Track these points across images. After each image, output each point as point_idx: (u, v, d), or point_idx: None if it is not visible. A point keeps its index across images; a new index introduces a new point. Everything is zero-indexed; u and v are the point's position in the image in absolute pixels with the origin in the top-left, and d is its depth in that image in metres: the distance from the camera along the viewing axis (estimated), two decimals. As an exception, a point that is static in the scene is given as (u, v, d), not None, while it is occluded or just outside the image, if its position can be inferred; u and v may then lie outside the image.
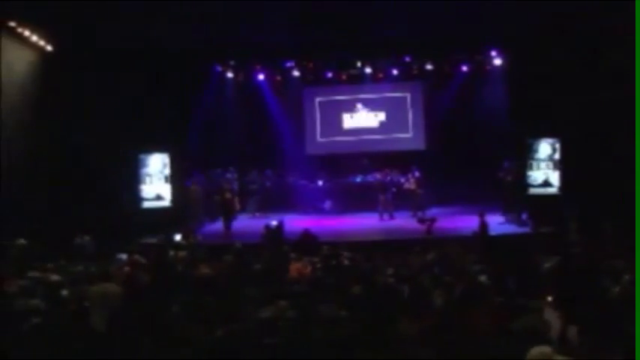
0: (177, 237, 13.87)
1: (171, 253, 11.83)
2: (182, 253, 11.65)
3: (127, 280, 8.85)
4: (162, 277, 9.36)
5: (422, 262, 10.49)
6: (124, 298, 7.54)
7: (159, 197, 16.22)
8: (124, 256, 10.86)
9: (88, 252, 12.25)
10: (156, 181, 16.25)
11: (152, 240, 14.18)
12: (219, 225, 16.93)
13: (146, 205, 16.18)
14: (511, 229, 14.77)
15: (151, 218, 15.60)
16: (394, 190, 17.44)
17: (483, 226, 13.11)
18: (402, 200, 17.43)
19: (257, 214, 18.01)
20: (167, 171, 16.27)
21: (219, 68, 19.00)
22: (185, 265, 10.58)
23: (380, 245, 13.07)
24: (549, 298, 7.30)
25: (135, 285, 8.68)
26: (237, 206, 17.47)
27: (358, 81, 19.88)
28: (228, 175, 18.11)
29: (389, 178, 17.64)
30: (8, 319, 6.85)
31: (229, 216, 16.42)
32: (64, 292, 8.25)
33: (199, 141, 18.02)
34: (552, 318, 6.48)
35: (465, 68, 18.82)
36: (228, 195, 16.61)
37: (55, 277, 8.76)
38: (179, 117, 16.77)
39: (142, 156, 16.22)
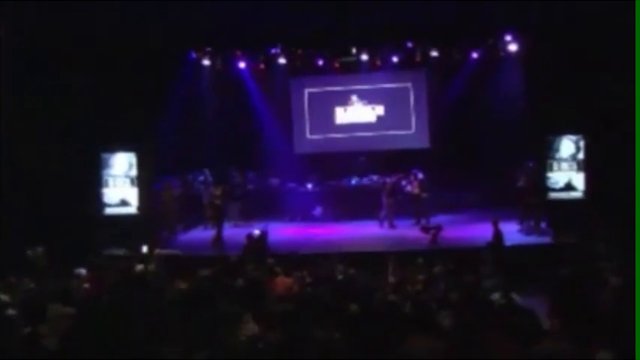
0: (145, 248, 13.81)
1: (139, 267, 11.78)
2: (152, 267, 11.61)
3: (87, 299, 8.78)
4: (128, 295, 9.31)
5: (426, 276, 10.50)
6: (84, 320, 7.48)
7: (124, 203, 16.13)
8: (83, 271, 10.77)
9: (41, 266, 12.16)
10: (120, 184, 16.17)
11: (116, 252, 14.12)
12: (195, 234, 16.90)
13: (109, 211, 16.10)
14: (529, 239, 14.84)
15: (114, 227, 15.52)
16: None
17: (497, 235, 13.13)
18: (403, 206, 17.47)
19: (240, 222, 17.97)
20: (134, 172, 16.18)
21: (194, 55, 18.97)
22: (156, 281, 10.54)
23: (379, 257, 13.02)
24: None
25: (96, 305, 8.62)
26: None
27: (353, 70, 19.90)
28: (201, 178, 18.12)
29: (389, 180, 17.63)
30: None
31: (221, 224, 16.28)
32: (11, 313, 8.16)
33: (171, 138, 17.99)
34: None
35: (475, 55, 18.82)
36: (217, 201, 16.45)
37: (1, 297, 8.67)
38: (147, 111, 16.69)
39: (104, 155, 16.13)
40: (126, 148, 16.20)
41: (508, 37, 17.93)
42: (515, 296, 8.64)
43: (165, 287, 9.88)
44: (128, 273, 11.24)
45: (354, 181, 19.35)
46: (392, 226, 16.96)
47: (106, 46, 15.31)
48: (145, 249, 13.79)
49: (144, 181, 16.28)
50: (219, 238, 15.71)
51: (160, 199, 16.74)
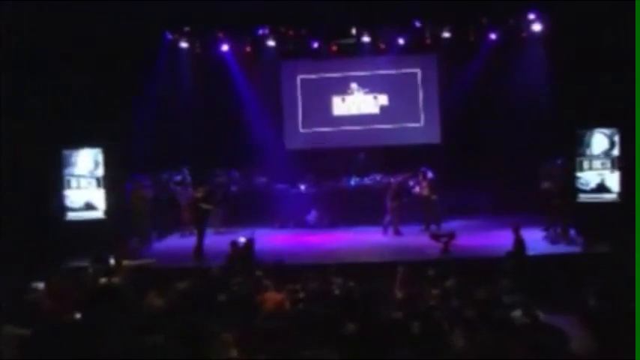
0: (113, 259, 13.76)
1: (106, 280, 11.75)
2: (120, 280, 11.58)
3: (45, 319, 8.74)
4: (93, 314, 9.29)
5: (438, 291, 10.50)
6: (40, 342, 7.44)
7: (89, 206, 16.15)
8: (41, 286, 10.73)
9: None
10: (85, 184, 16.18)
11: (80, 263, 14.06)
12: (171, 242, 16.93)
13: (72, 216, 16.11)
14: (555, 248, 14.81)
15: (78, 234, 15.48)
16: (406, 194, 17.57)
17: (519, 243, 13.13)
18: (410, 210, 17.47)
19: (222, 228, 17.97)
20: (100, 172, 16.20)
21: (170, 36, 18.98)
22: (125, 296, 10.51)
23: (382, 269, 13.01)
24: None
25: (56, 325, 8.58)
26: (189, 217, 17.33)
27: (353, 54, 19.97)
28: (178, 178, 18.15)
29: (394, 180, 17.62)
30: None
31: (203, 230, 16.18)
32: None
33: (144, 132, 17.95)
34: None
35: (493, 36, 18.91)
36: (201, 204, 16.30)
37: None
38: (117, 101, 16.67)
39: (66, 152, 16.13)
40: (91, 144, 16.19)
41: (531, 16, 18.01)
42: (539, 314, 8.63)
43: (136, 303, 9.84)
44: (93, 288, 11.19)
45: (353, 182, 19.37)
46: (397, 233, 16.96)
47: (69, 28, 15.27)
48: (113, 259, 13.76)
49: (112, 181, 16.27)
50: (200, 246, 15.67)
51: (131, 202, 16.72)
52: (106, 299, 10.40)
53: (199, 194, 16.03)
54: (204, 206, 15.86)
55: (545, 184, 15.99)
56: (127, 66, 16.80)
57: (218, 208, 18.02)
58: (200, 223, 15.71)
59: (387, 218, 17.13)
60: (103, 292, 10.89)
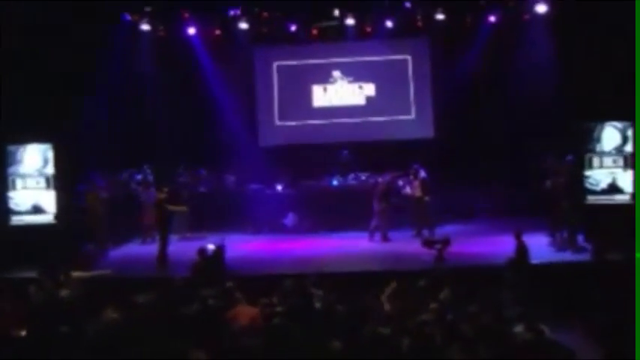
0: (65, 268, 13.70)
1: (57, 293, 11.70)
2: (70, 292, 11.53)
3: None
4: (42, 330, 9.23)
5: (431, 303, 10.50)
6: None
7: (37, 209, 16.01)
8: (-19, 299, 10.70)
9: None
10: (33, 185, 16.04)
11: (27, 274, 13.98)
12: (131, 249, 16.93)
13: (17, 220, 15.98)
14: (561, 255, 14.84)
15: (24, 241, 15.35)
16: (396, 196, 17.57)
17: (521, 250, 13.14)
18: (400, 213, 17.51)
19: (188, 234, 17.94)
20: (50, 170, 16.06)
21: (129, 18, 18.92)
22: (79, 311, 10.47)
23: (369, 280, 13.02)
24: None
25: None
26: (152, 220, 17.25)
27: (336, 38, 20.02)
28: (138, 177, 18.11)
29: (382, 179, 17.63)
30: None
31: (167, 236, 16.08)
32: None
33: (101, 126, 17.92)
34: None
35: (492, 19, 18.99)
36: (166, 206, 16.17)
37: None
38: (69, 92, 16.59)
39: (11, 148, 15.99)
40: (40, 139, 16.06)
41: (535, -5, 18.07)
42: (544, 329, 8.65)
43: (90, 320, 9.79)
44: (41, 302, 11.13)
45: (336, 182, 19.35)
46: (385, 239, 16.93)
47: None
48: (64, 270, 13.69)
49: (63, 181, 16.16)
50: (163, 254, 15.60)
51: (86, 204, 16.62)
52: (54, 315, 10.35)
53: (163, 195, 15.96)
54: (171, 207, 15.81)
55: (550, 184, 15.90)
56: (80, 52, 16.73)
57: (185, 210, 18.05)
58: (164, 227, 15.65)
59: (375, 222, 17.10)
60: (52, 308, 10.84)
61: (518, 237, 13.21)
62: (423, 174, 17.35)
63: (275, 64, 20.71)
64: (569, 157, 15.96)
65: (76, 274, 13.21)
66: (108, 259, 16.13)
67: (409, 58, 20.31)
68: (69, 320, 10.02)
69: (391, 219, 17.23)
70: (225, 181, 19.74)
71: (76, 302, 11.22)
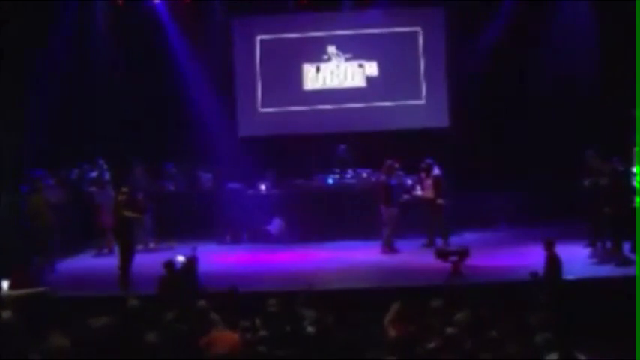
0: (5, 284, 13.81)
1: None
2: (9, 314, 11.62)
3: None
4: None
5: (446, 326, 10.61)
6: None
7: (-29, 215, 16.13)
8: None
9: None
10: (-34, 185, 16.17)
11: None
12: (83, 262, 17.02)
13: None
14: (603, 269, 14.85)
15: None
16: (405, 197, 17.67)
17: (553, 263, 13.20)
18: (409, 218, 17.55)
19: (152, 244, 18.04)
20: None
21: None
22: (22, 335, 10.57)
23: (369, 298, 13.16)
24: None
25: None
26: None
27: (331, 7, 20.12)
28: (93, 175, 18.19)
29: (376, 178, 17.81)
30: None
31: (129, 246, 15.99)
32: None
33: (46, 115, 17.91)
34: None
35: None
36: (129, 212, 16.07)
37: None
38: (7, 75, 16.60)
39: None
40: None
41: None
42: (581, 358, 8.78)
43: (33, 347, 9.88)
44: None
45: (331, 180, 19.29)
46: (391, 249, 16.94)
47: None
48: (4, 285, 13.80)
49: (1, 181, 16.25)
50: (125, 268, 15.51)
51: (29, 208, 16.66)
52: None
53: (123, 197, 15.93)
54: (129, 214, 15.77)
55: (589, 184, 15.94)
56: (21, 26, 16.71)
57: (147, 215, 18.02)
58: (125, 236, 15.60)
59: (386, 231, 16.99)
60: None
61: (549, 247, 13.21)
62: (436, 171, 17.36)
63: (257, 39, 20.72)
64: (615, 159, 15.86)
65: (14, 292, 13.33)
66: (55, 273, 16.10)
67: (419, 30, 20.35)
68: (11, 347, 10.17)
69: (398, 225, 17.12)
70: (198, 179, 19.81)
71: (19, 325, 11.28)
